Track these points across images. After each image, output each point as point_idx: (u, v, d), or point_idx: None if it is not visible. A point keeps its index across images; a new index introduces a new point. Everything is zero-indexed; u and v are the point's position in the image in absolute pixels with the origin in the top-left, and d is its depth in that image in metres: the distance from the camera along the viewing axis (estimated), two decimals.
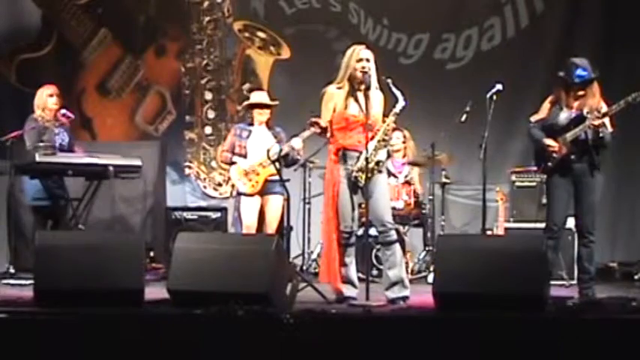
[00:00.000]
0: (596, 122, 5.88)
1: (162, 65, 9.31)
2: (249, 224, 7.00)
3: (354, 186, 5.81)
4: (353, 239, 5.92)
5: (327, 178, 5.92)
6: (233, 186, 7.09)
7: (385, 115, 5.90)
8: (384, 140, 5.81)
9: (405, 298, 5.80)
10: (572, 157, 5.98)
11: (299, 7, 9.23)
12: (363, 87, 5.75)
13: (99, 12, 9.18)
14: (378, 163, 5.77)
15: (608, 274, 7.84)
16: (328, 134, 5.86)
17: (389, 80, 5.77)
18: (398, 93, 5.79)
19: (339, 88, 5.84)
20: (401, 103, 5.79)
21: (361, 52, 5.83)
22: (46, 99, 7.26)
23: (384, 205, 5.88)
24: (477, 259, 5.19)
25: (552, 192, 6.11)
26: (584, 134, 5.96)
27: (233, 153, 7.07)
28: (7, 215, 7.50)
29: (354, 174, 5.75)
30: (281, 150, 6.72)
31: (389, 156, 5.90)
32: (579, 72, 5.96)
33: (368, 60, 5.80)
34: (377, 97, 5.85)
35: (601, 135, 5.92)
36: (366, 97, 5.72)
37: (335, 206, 5.85)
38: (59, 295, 5.09)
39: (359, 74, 5.76)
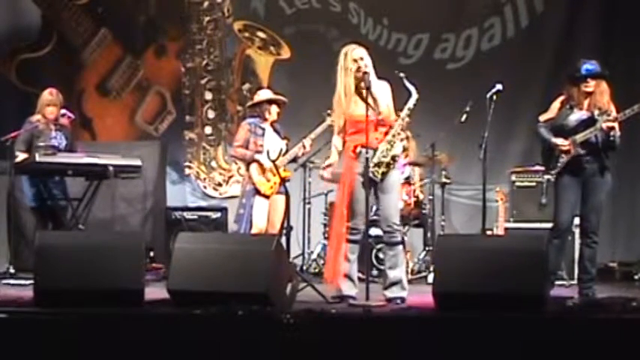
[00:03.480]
0: (609, 125, 5.89)
1: (162, 65, 9.31)
2: (262, 226, 6.94)
3: (369, 183, 5.79)
4: (359, 237, 5.92)
5: (344, 174, 5.90)
6: (253, 183, 6.92)
7: (396, 105, 5.92)
8: (398, 134, 5.81)
9: (402, 299, 5.80)
10: (587, 158, 6.00)
11: (299, 7, 9.22)
12: (363, 86, 5.75)
13: (99, 12, 9.18)
14: (393, 157, 5.76)
15: (608, 274, 7.83)
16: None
17: (402, 74, 5.77)
18: (411, 87, 5.78)
19: (342, 93, 5.84)
20: (414, 97, 5.79)
21: (354, 52, 5.82)
22: (44, 107, 7.26)
23: (393, 205, 5.89)
24: (477, 259, 5.19)
25: (560, 192, 6.11)
26: (595, 136, 5.97)
27: (253, 150, 6.98)
28: (7, 215, 7.50)
29: (371, 169, 5.73)
30: (281, 150, 6.71)
31: (404, 149, 5.90)
32: (586, 66, 6.00)
33: (362, 59, 5.79)
34: (381, 88, 5.83)
35: (612, 138, 5.94)
36: (371, 94, 5.73)
37: (348, 203, 5.85)
38: (59, 295, 5.09)
39: (358, 75, 5.76)
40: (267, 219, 6.95)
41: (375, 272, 7.36)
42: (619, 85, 6.39)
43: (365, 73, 5.74)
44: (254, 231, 6.87)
